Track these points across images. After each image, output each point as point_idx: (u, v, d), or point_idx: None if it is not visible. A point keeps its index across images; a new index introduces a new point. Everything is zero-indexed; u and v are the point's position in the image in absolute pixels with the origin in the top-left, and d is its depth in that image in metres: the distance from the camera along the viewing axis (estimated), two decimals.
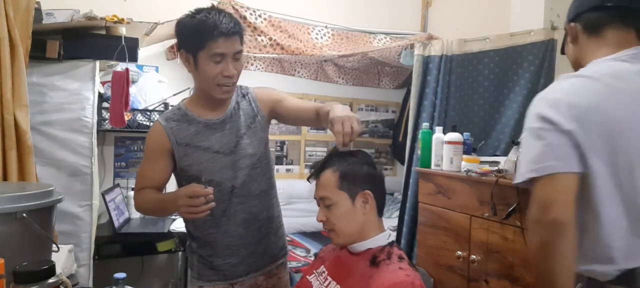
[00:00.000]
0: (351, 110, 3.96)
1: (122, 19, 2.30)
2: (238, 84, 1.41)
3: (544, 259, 1.00)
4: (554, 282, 0.98)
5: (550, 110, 1.00)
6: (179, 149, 1.38)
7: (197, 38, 1.28)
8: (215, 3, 2.68)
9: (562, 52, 1.26)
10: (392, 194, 3.76)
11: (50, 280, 0.95)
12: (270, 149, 1.55)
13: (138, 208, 1.45)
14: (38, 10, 2.08)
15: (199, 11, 1.32)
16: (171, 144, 1.38)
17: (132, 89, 2.80)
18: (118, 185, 3.02)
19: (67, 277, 1.16)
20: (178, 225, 2.80)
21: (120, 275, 1.08)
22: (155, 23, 2.61)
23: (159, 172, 1.40)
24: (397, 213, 2.87)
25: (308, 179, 1.28)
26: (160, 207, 1.38)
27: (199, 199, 1.19)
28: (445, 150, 2.16)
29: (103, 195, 2.62)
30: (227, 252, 1.43)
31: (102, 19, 2.26)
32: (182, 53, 1.34)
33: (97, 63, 2.25)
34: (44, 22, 2.18)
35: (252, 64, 3.47)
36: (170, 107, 3.01)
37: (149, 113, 2.93)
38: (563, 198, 0.96)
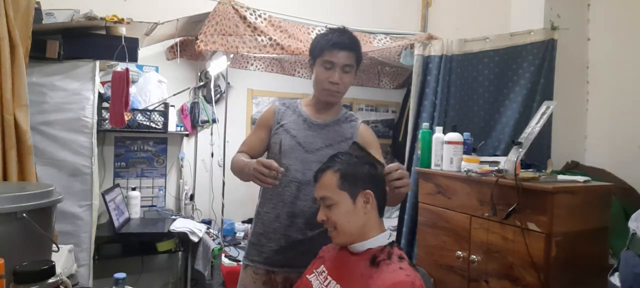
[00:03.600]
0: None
1: (122, 19, 2.30)
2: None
3: None
4: None
5: None
6: (275, 127, 1.62)
7: (318, 47, 1.56)
8: (216, 3, 2.68)
9: None
10: None
11: (50, 280, 0.95)
12: None
13: (231, 167, 1.64)
14: (38, 10, 2.08)
15: (330, 29, 1.63)
16: (274, 123, 1.62)
17: (132, 89, 2.80)
18: (118, 185, 3.02)
19: (67, 277, 1.16)
20: (178, 225, 2.81)
21: (120, 275, 1.08)
22: (155, 23, 2.61)
23: (256, 141, 1.65)
24: (397, 213, 2.87)
25: (314, 179, 1.29)
26: (242, 168, 1.52)
27: (269, 171, 1.34)
28: (445, 150, 2.15)
29: (103, 195, 2.62)
30: (272, 235, 1.58)
31: (102, 19, 2.27)
32: (309, 59, 1.62)
33: (97, 63, 2.26)
34: (44, 22, 2.18)
35: (252, 64, 3.47)
36: (170, 107, 3.02)
37: (149, 113, 2.93)
38: None
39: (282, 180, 1.48)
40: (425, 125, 2.41)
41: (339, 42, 1.52)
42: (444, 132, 2.20)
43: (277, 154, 1.56)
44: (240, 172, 1.55)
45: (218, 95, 3.34)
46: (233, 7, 2.68)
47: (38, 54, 2.06)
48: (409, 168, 2.69)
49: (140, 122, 2.90)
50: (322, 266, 1.30)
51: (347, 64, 1.53)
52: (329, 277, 1.24)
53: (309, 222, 1.55)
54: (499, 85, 2.50)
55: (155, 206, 3.21)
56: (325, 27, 3.04)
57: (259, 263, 1.59)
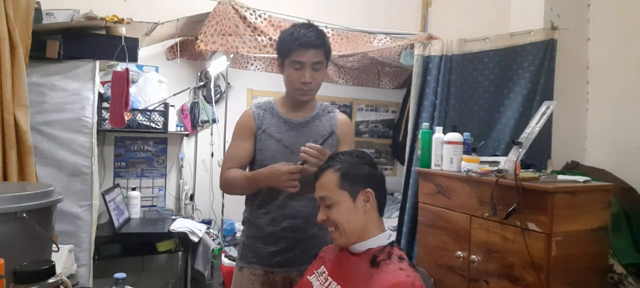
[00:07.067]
0: (351, 110, 3.96)
1: (122, 19, 2.30)
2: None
3: None
4: None
5: None
6: (258, 133, 1.57)
7: (285, 47, 1.51)
8: (215, 3, 2.68)
9: None
10: (392, 194, 3.76)
11: (50, 280, 0.95)
12: None
13: (224, 186, 1.60)
14: (38, 10, 2.08)
15: (295, 25, 1.55)
16: (256, 127, 1.57)
17: (132, 89, 2.80)
18: (118, 185, 3.02)
19: (67, 277, 1.16)
20: (178, 225, 2.81)
21: (120, 275, 1.08)
22: (155, 23, 2.61)
23: (245, 151, 1.57)
24: (397, 213, 2.87)
25: (314, 179, 1.28)
26: (251, 183, 1.51)
27: (299, 175, 1.41)
28: (445, 150, 2.15)
29: (103, 195, 2.62)
30: (269, 239, 1.55)
31: (102, 19, 2.27)
32: (278, 58, 1.58)
33: (97, 63, 2.25)
34: (44, 22, 2.18)
35: (252, 64, 3.48)
36: (170, 107, 3.02)
37: (149, 113, 2.93)
38: None
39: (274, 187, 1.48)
40: (425, 125, 2.41)
41: (305, 40, 1.47)
42: (444, 132, 2.20)
43: (261, 160, 1.53)
44: (246, 186, 1.53)
45: (218, 95, 3.35)
46: (233, 7, 2.68)
47: (38, 54, 2.06)
48: (408, 168, 2.70)
49: (140, 122, 2.90)
50: (323, 266, 1.30)
51: (316, 61, 1.49)
52: (329, 277, 1.24)
53: (307, 221, 1.54)
54: (499, 85, 2.50)
55: (155, 206, 3.21)
56: (325, 26, 3.04)
57: (257, 264, 1.57)
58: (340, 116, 1.65)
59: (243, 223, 1.65)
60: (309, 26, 1.53)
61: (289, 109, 1.60)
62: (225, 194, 3.00)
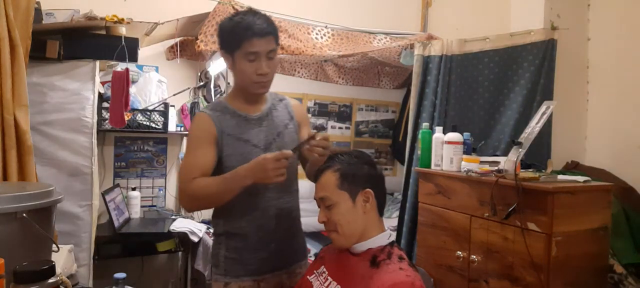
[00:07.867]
0: (351, 110, 3.94)
1: (122, 19, 2.30)
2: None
3: None
4: None
5: None
6: (222, 138, 1.42)
7: (236, 38, 1.37)
8: (215, 3, 2.68)
9: None
10: (392, 194, 3.76)
11: (50, 280, 0.95)
12: None
13: (190, 200, 1.41)
14: (38, 10, 2.08)
15: (236, 14, 1.43)
16: (217, 132, 1.42)
17: (132, 89, 2.80)
18: (118, 185, 3.02)
19: (67, 277, 1.16)
20: (178, 225, 2.81)
21: (120, 275, 1.08)
22: (155, 23, 2.61)
23: (209, 158, 1.41)
24: (397, 213, 2.87)
25: (314, 179, 1.28)
26: (230, 184, 1.34)
27: (285, 161, 1.27)
28: (445, 150, 2.15)
29: (103, 195, 2.62)
30: (258, 245, 1.45)
31: (102, 19, 2.27)
32: (223, 52, 1.44)
33: (97, 63, 2.25)
34: (44, 22, 2.18)
35: None
36: (170, 107, 3.02)
37: (149, 113, 2.93)
38: None
39: (251, 190, 1.35)
40: (425, 125, 2.41)
41: (259, 29, 1.36)
42: (444, 132, 2.20)
43: (232, 166, 1.38)
44: (222, 191, 1.36)
45: (218, 95, 3.34)
46: (233, 7, 2.68)
47: (38, 54, 2.06)
48: (408, 168, 2.70)
49: (140, 122, 2.90)
50: (323, 266, 1.30)
51: (270, 50, 1.39)
52: (329, 277, 1.24)
53: (291, 216, 1.51)
54: (499, 85, 2.50)
55: (155, 206, 3.21)
56: (325, 26, 3.05)
57: (245, 276, 1.46)
58: (293, 101, 1.60)
59: (218, 236, 1.51)
60: (255, 13, 1.42)
61: (244, 105, 1.48)
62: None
